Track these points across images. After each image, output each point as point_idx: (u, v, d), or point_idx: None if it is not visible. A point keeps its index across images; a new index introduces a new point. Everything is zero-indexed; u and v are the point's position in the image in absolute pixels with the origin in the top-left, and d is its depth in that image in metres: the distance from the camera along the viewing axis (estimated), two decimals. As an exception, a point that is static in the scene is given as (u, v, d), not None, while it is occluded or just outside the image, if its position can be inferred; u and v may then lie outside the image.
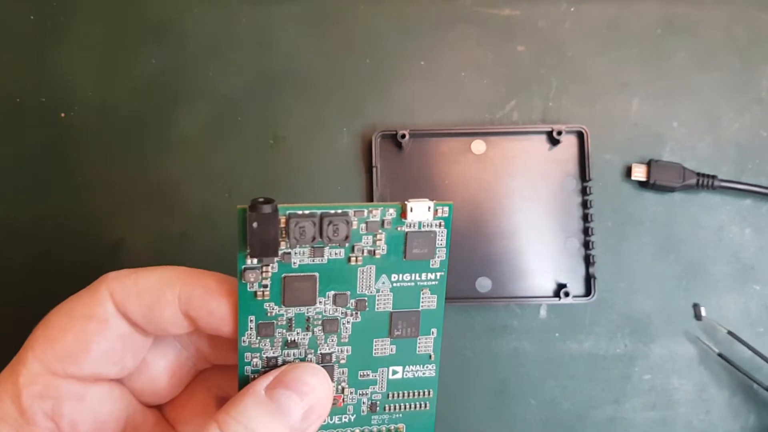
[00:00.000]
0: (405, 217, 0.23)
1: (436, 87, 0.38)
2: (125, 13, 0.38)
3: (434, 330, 0.25)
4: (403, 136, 0.36)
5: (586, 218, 0.36)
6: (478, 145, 0.37)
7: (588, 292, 0.36)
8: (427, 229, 0.24)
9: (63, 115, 0.38)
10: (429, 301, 0.25)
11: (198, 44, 0.38)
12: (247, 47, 0.38)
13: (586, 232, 0.36)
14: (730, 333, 0.35)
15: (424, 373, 0.25)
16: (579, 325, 0.36)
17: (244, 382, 0.24)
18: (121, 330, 0.23)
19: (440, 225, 0.24)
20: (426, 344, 0.25)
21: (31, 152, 0.37)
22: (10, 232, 0.37)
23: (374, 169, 0.36)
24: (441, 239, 0.24)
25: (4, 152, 0.37)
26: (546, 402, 0.36)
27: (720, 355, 0.35)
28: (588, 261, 0.36)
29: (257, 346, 0.24)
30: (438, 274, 0.24)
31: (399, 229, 0.23)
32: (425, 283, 0.24)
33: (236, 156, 0.37)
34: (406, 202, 0.23)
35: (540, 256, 0.36)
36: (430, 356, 0.25)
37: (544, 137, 0.37)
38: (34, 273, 0.37)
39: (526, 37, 0.38)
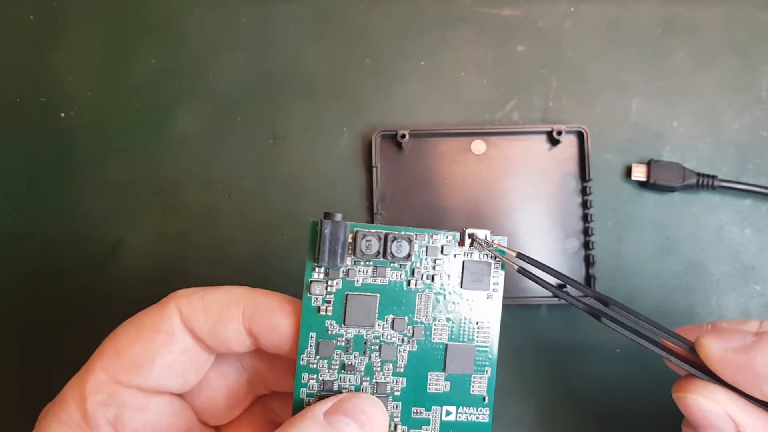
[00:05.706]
0: (462, 245, 0.24)
1: (436, 87, 0.38)
2: (125, 13, 0.38)
3: (488, 369, 0.25)
4: (403, 136, 0.36)
5: (586, 218, 0.36)
6: (478, 145, 0.37)
7: (588, 292, 0.36)
8: (484, 260, 0.24)
9: (63, 115, 0.38)
10: (483, 337, 0.25)
11: (198, 44, 0.38)
12: (247, 47, 0.38)
13: (586, 232, 0.36)
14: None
15: (477, 417, 0.25)
16: (579, 325, 0.36)
17: (299, 405, 0.24)
18: (185, 344, 0.24)
19: (495, 257, 0.25)
20: (480, 384, 0.25)
21: (31, 152, 0.37)
22: (10, 232, 0.37)
23: (374, 169, 0.36)
24: (497, 271, 0.25)
25: (4, 152, 0.37)
26: (546, 402, 0.36)
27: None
28: (588, 261, 0.36)
29: (315, 366, 0.24)
30: (493, 306, 0.25)
31: (456, 256, 0.24)
32: (480, 317, 0.25)
33: (236, 156, 0.37)
34: (464, 230, 0.24)
35: (540, 256, 0.36)
36: (484, 398, 0.25)
37: (544, 137, 0.37)
38: (34, 273, 0.37)
39: (526, 37, 0.38)
